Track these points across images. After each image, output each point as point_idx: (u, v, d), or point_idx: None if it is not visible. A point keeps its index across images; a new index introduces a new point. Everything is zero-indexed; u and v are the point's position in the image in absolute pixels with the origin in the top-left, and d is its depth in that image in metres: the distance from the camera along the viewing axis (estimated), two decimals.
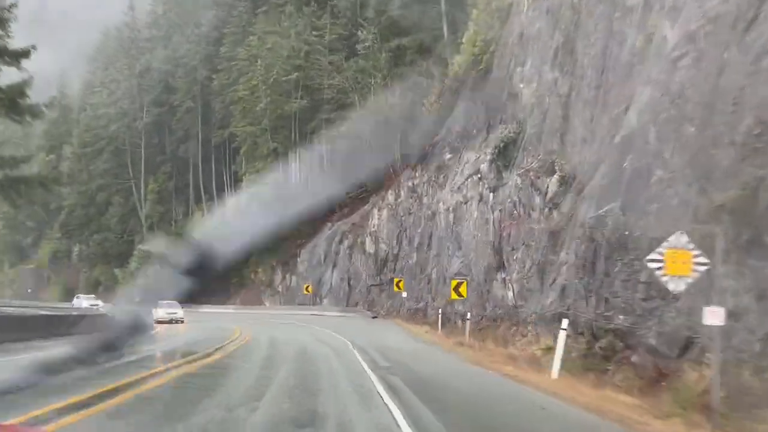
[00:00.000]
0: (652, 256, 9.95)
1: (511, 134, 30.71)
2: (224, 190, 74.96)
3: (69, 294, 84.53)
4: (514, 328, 25.74)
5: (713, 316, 9.24)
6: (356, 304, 46.42)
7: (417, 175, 42.05)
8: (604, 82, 23.79)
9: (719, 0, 12.96)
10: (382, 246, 43.62)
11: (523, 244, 27.32)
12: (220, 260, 4.66)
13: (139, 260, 72.93)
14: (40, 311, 33.94)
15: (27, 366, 5.47)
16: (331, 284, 50.86)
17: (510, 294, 27.78)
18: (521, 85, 32.86)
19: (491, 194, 30.63)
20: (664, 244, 9.86)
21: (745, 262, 10.10)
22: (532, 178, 27.78)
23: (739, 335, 9.85)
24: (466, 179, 33.21)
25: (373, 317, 41.27)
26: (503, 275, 28.42)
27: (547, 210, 26.41)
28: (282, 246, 57.92)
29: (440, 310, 29.70)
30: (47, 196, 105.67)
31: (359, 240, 46.75)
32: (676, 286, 9.99)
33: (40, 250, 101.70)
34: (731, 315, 9.54)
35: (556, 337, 16.47)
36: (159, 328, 32.47)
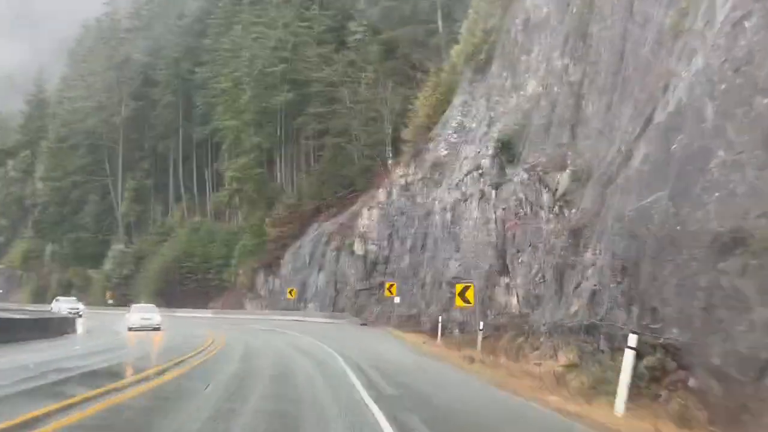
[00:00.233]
0: None
1: (516, 126, 28.50)
2: (206, 189, 72.47)
3: (40, 296, 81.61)
4: (521, 338, 23.54)
5: None
6: (343, 310, 44.06)
7: (410, 172, 39.83)
8: (624, 66, 21.64)
9: None
10: (372, 248, 41.32)
11: (530, 245, 25.13)
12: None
13: (114, 261, 70.28)
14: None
15: None
16: (316, 288, 48.49)
17: (514, 300, 25.60)
18: (526, 75, 30.75)
19: (494, 191, 28.44)
20: None
21: None
22: (540, 173, 25.59)
23: None
24: (466, 176, 31.03)
25: (362, 324, 38.93)
26: (507, 280, 26.22)
27: (557, 208, 24.23)
28: (265, 247, 55.52)
29: (440, 318, 27.40)
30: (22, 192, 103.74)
31: (347, 241, 44.40)
32: None
33: (13, 250, 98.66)
34: None
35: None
36: (130, 336, 30.07)
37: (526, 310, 24.67)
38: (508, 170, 28.31)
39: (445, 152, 38.16)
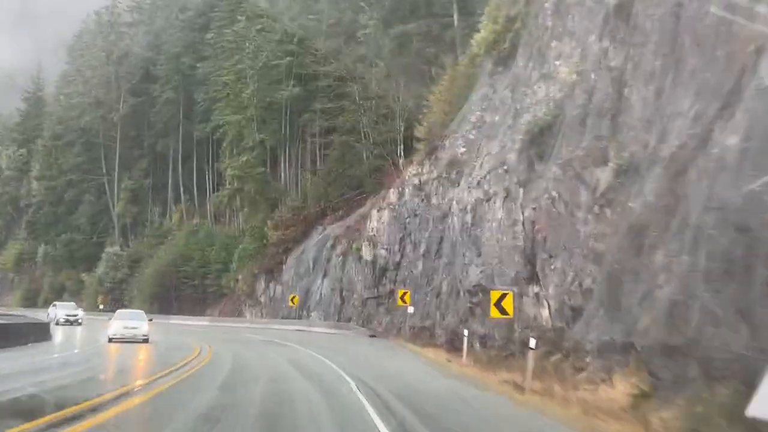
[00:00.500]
0: None
1: (548, 117, 25.81)
2: (206, 190, 69.96)
3: (31, 300, 79.26)
4: (555, 357, 20.85)
5: None
6: (349, 319, 41.37)
7: (424, 171, 37.19)
8: (679, 46, 18.97)
9: None
10: (382, 252, 38.61)
11: (564, 249, 22.44)
12: None
13: (108, 264, 67.75)
14: None
15: None
16: (320, 295, 45.82)
17: (545, 312, 22.91)
18: (557, 62, 28.05)
19: (521, 190, 25.76)
20: None
21: None
22: (577, 169, 22.89)
23: None
24: (488, 173, 28.37)
25: (371, 336, 36.22)
26: (536, 289, 23.51)
27: (597, 207, 21.55)
28: (266, 251, 52.91)
29: (465, 332, 24.54)
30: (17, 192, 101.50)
31: (354, 245, 41.73)
32: None
33: (6, 251, 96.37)
34: None
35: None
36: (106, 349, 26.81)
37: (560, 323, 22.00)
38: (538, 166, 25.63)
39: (463, 149, 35.57)
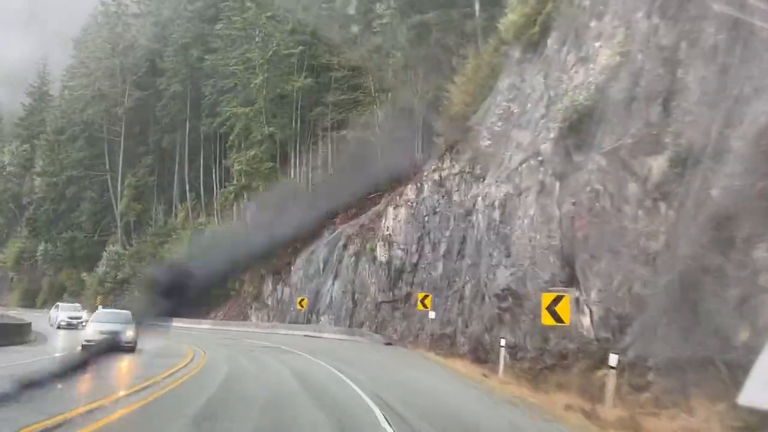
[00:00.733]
0: None
1: (588, 102, 23.47)
2: (213, 188, 67.88)
3: (29, 300, 77.45)
4: (600, 372, 18.55)
5: None
6: (361, 325, 39.04)
7: (445, 166, 34.90)
8: (748, 13, 16.68)
9: None
10: (398, 253, 36.27)
11: (609, 249, 20.16)
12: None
13: (108, 264, 65.74)
14: None
15: None
16: (330, 298, 43.52)
17: (586, 320, 20.60)
18: (597, 44, 25.75)
19: (557, 183, 23.48)
20: None
21: None
22: (625, 158, 20.59)
23: None
24: (519, 165, 26.07)
25: (387, 343, 33.85)
26: (575, 294, 21.17)
27: (649, 201, 19.26)
28: (273, 251, 50.62)
29: (502, 343, 22.05)
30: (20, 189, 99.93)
31: (368, 245, 39.44)
32: None
33: (7, 249, 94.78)
34: None
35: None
36: (77, 354, 23.73)
37: (604, 333, 19.70)
38: (577, 157, 23.31)
39: (488, 142, 33.30)
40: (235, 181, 57.42)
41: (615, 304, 19.13)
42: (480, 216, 28.95)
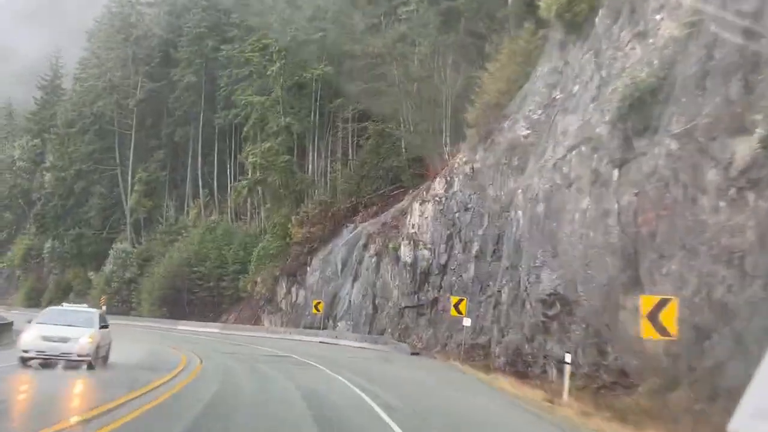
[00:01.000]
0: None
1: (652, 79, 20.61)
2: (227, 185, 65.43)
3: (35, 299, 75.30)
4: (674, 392, 15.78)
5: None
6: (383, 332, 36.29)
7: (477, 158, 32.13)
8: None
9: None
10: (424, 253, 33.44)
11: (683, 247, 17.33)
12: None
13: (116, 262, 63.43)
14: None
15: None
16: (349, 302, 40.82)
17: None
18: (658, 17, 22.93)
19: (615, 171, 20.67)
20: None
21: None
22: (701, 140, 17.72)
23: None
24: (568, 153, 23.24)
25: (413, 353, 31.01)
26: (640, 300, 18.31)
27: (734, 191, 16.44)
28: (289, 250, 48.08)
29: (567, 359, 18.38)
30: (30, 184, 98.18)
31: (391, 245, 36.68)
32: None
33: (14, 247, 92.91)
34: None
35: None
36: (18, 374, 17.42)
37: (676, 348, 16.86)
38: (638, 141, 20.47)
39: (527, 132, 30.62)
40: (249, 175, 54.79)
41: (691, 312, 16.27)
42: (520, 212, 26.14)
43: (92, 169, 75.32)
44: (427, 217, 34.07)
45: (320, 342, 38.81)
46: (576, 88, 26.50)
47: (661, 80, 20.42)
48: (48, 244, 77.35)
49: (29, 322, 19.69)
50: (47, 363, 17.77)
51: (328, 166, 52.22)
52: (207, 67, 67.61)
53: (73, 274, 74.46)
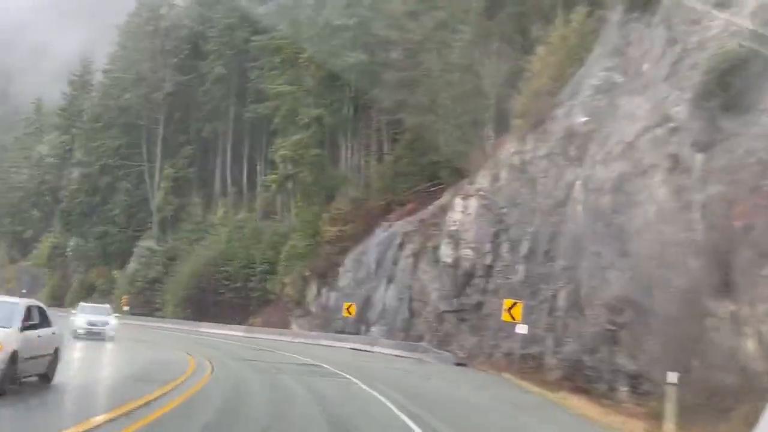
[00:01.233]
0: None
1: (742, 50, 17.83)
2: (257, 183, 63.37)
3: (58, 299, 73.92)
4: None
5: None
6: (420, 338, 33.68)
7: (527, 148, 29.46)
8: None
9: None
10: (467, 253, 30.76)
11: None
12: None
13: (139, 261, 61.69)
14: None
15: None
16: (383, 306, 38.32)
17: (749, 344, 15.21)
18: None
19: (699, 156, 17.92)
20: None
21: None
22: None
23: None
24: (638, 137, 20.53)
25: (458, 364, 28.32)
26: (732, 307, 15.67)
27: None
28: (319, 250, 45.74)
29: (673, 378, 15.05)
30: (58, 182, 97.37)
31: (430, 244, 34.12)
32: None
33: (41, 245, 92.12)
34: None
35: None
36: None
37: None
38: (726, 122, 17.72)
39: (584, 119, 27.97)
40: (278, 170, 52.55)
41: None
42: (579, 206, 23.44)
43: (118, 164, 73.82)
44: (470, 214, 31.40)
45: (352, 348, 36.38)
46: (645, 66, 23.81)
47: (749, 54, 17.70)
48: (72, 242, 76.07)
49: None
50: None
51: (361, 161, 49.84)
52: (237, 59, 65.68)
53: (97, 273, 72.99)
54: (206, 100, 68.84)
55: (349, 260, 43.43)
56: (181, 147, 72.28)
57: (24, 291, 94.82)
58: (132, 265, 64.41)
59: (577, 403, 17.52)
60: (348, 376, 21.08)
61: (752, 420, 14.11)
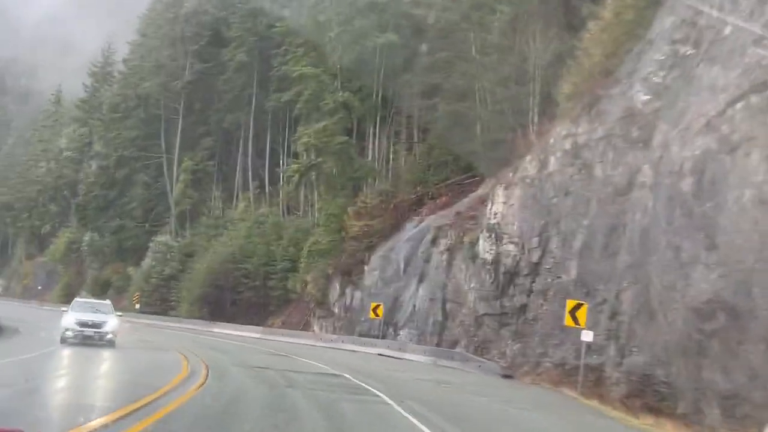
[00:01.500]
0: None
1: None
2: (279, 176, 60.64)
3: (71, 296, 71.90)
4: None
5: None
6: (455, 344, 30.57)
7: (581, 131, 26.30)
8: None
9: None
10: (509, 248, 27.64)
11: None
12: None
13: (155, 257, 59.31)
14: None
15: None
16: (413, 308, 35.30)
17: None
18: None
19: None
20: None
21: None
22: None
23: None
24: (728, 108, 17.37)
25: (505, 376, 25.11)
26: None
27: None
28: (343, 246, 42.89)
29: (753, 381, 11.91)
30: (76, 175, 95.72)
31: (467, 239, 31.03)
32: None
33: (57, 240, 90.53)
34: None
35: None
36: None
37: None
38: None
39: (646, 97, 24.87)
40: (300, 159, 49.78)
41: None
42: (648, 192, 20.31)
43: (135, 156, 71.68)
44: (513, 204, 28.28)
45: (380, 354, 33.39)
46: (727, 30, 20.64)
47: None
48: (87, 237, 74.05)
49: None
50: None
51: (390, 150, 46.89)
52: (260, 46, 63.02)
53: (112, 269, 70.88)
54: (227, 89, 66.29)
55: (375, 257, 40.47)
56: (200, 138, 69.92)
57: (39, 287, 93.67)
58: (147, 261, 62.04)
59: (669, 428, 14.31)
60: (375, 390, 17.53)
61: None
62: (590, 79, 30.07)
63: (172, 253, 60.54)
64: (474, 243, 30.40)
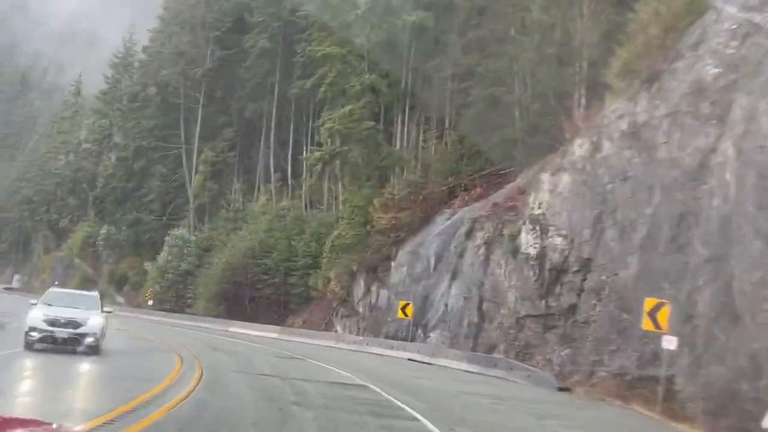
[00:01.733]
0: None
1: None
2: (302, 169, 58.28)
3: (85, 289, 70.46)
4: None
5: None
6: (493, 348, 27.74)
7: (639, 108, 23.49)
8: None
9: None
10: (556, 241, 24.83)
11: None
12: None
13: (171, 251, 57.26)
14: None
15: None
16: (445, 308, 32.58)
17: None
18: None
19: None
20: None
21: None
22: None
23: None
24: None
25: (561, 389, 22.21)
26: None
27: None
28: (369, 241, 40.36)
29: None
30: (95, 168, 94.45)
31: (507, 232, 28.24)
32: None
33: (75, 234, 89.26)
34: None
35: None
36: None
37: None
38: None
39: (716, 70, 22.06)
40: (327, 146, 47.35)
41: None
42: (728, 174, 17.51)
43: (153, 146, 69.79)
44: (561, 193, 25.48)
45: (410, 360, 30.74)
46: None
47: None
48: (104, 230, 72.33)
49: None
50: None
51: (420, 138, 44.25)
52: (284, 32, 60.73)
53: (128, 263, 69.09)
54: (249, 77, 64.01)
55: (403, 253, 37.82)
56: (221, 129, 67.81)
57: (56, 282, 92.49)
58: (163, 256, 60.07)
59: None
60: (413, 411, 13.77)
61: None
62: (647, 54, 27.40)
63: (189, 248, 58.46)
64: (515, 236, 27.60)
